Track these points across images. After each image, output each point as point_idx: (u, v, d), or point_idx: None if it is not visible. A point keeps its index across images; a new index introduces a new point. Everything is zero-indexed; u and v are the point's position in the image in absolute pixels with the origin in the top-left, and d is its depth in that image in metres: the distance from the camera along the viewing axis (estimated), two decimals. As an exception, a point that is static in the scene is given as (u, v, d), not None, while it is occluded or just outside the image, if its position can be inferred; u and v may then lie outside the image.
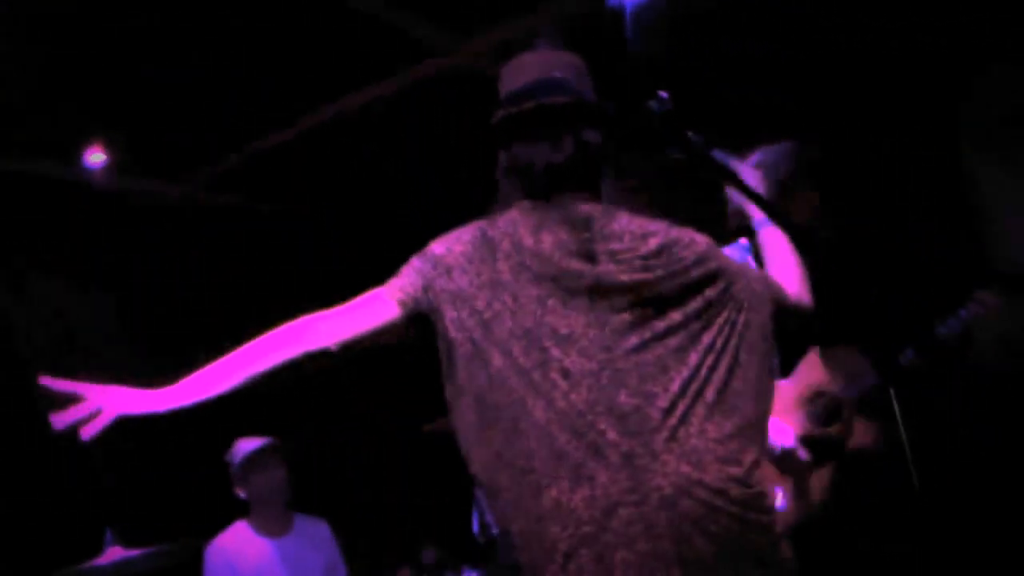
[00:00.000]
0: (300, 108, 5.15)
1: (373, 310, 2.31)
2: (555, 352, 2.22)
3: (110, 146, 4.90)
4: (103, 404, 2.25)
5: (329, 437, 5.17)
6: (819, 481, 3.59)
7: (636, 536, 2.11)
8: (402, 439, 5.00)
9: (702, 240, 2.43)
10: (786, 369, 3.75)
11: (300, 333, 2.28)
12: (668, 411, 2.20)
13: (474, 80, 4.86)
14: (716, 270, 2.39)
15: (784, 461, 3.52)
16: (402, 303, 2.31)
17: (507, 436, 2.21)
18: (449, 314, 2.30)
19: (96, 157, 4.95)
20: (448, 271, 2.32)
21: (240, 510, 4.62)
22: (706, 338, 2.31)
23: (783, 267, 2.62)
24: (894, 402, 2.55)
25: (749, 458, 2.23)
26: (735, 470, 2.19)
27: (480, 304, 2.28)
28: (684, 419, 2.21)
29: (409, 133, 5.34)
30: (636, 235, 2.36)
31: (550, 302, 2.27)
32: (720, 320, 2.34)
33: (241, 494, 4.61)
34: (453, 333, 2.29)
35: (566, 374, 2.21)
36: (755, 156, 3.65)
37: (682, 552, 2.10)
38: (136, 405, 2.28)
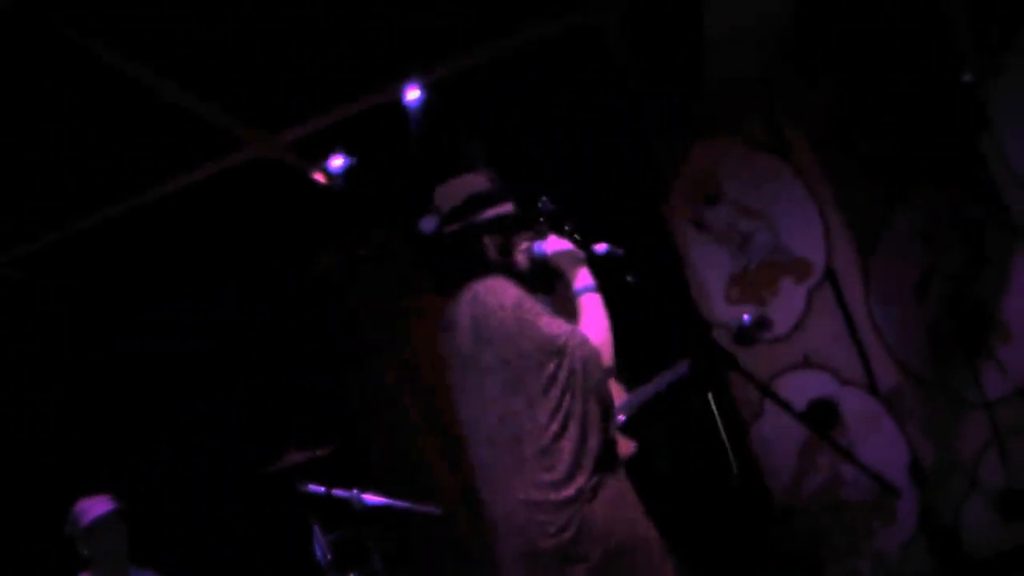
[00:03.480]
0: (104, 196, 5.49)
1: None
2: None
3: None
4: None
5: (164, 486, 5.65)
6: None
7: None
8: (239, 484, 5.59)
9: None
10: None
11: None
12: None
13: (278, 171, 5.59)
14: None
15: None
16: None
17: None
18: None
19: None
20: None
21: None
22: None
23: (595, 330, 3.30)
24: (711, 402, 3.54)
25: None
26: None
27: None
28: None
29: (215, 221, 5.90)
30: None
31: None
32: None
33: (84, 551, 4.89)
34: None
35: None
36: None
37: None
38: None
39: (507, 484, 3.20)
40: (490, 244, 3.36)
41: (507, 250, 3.37)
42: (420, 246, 3.50)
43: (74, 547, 4.93)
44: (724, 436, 3.74)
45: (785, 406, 3.56)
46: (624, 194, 6.14)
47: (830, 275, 6.12)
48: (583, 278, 3.36)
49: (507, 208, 3.39)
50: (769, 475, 6.13)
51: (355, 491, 4.80)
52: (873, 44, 5.98)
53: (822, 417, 6.00)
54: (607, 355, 3.24)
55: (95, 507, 4.94)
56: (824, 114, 6.13)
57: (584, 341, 3.20)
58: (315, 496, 4.79)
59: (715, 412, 3.65)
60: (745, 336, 4.03)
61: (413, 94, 5.28)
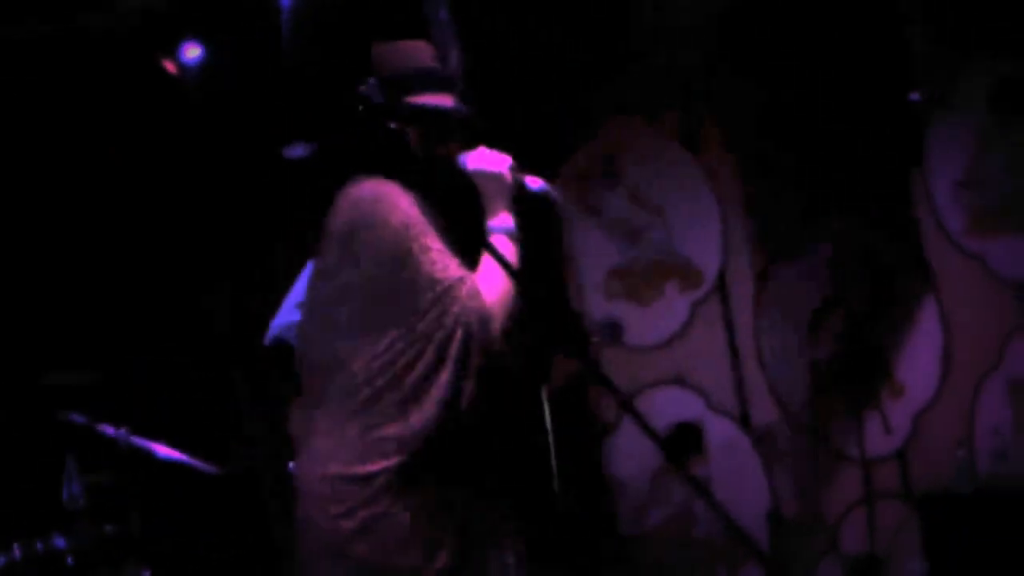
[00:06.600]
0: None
1: None
2: None
3: None
4: None
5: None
6: None
7: None
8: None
9: None
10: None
11: None
12: None
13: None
14: None
15: None
16: None
17: None
18: None
19: None
20: None
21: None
22: None
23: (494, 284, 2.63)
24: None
25: None
26: None
27: None
28: None
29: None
30: None
31: None
32: None
33: None
34: None
35: None
36: None
37: None
38: None
39: (316, 446, 2.60)
40: (413, 134, 2.68)
41: (430, 147, 2.69)
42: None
43: None
44: (552, 448, 3.08)
45: (644, 425, 2.87)
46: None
47: (721, 288, 5.57)
48: (500, 215, 2.65)
49: (446, 100, 2.71)
50: (616, 497, 5.58)
51: (124, 430, 4.08)
52: (818, 53, 5.43)
53: (683, 443, 5.47)
54: (499, 319, 2.53)
55: None
56: (749, 116, 5.57)
57: (475, 295, 2.50)
58: (75, 428, 4.06)
59: (546, 415, 2.98)
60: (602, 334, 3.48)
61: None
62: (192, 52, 4.99)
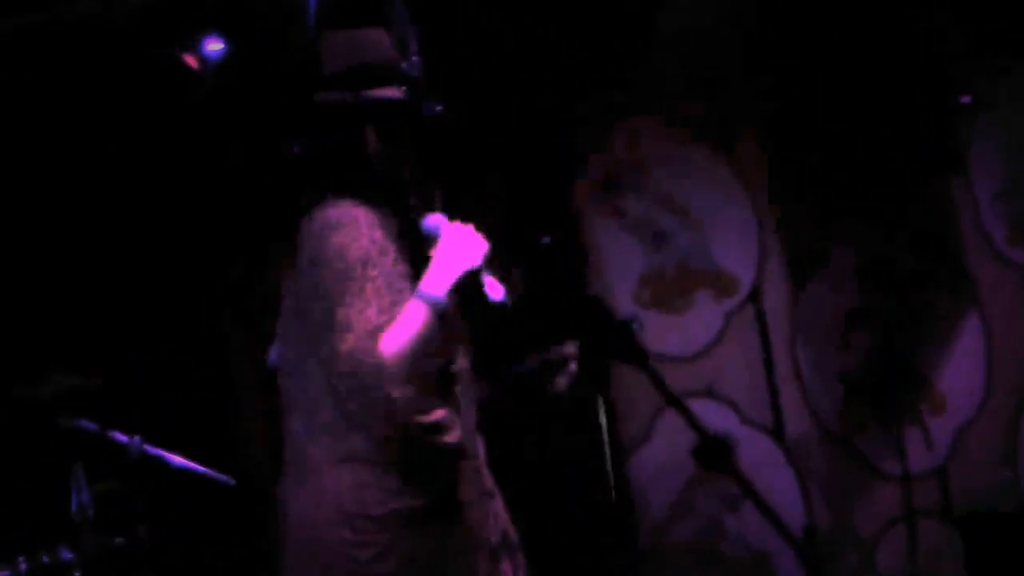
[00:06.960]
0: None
1: None
2: None
3: None
4: None
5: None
6: None
7: None
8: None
9: None
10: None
11: None
12: None
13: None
14: None
15: None
16: None
17: None
18: None
19: None
20: None
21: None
22: None
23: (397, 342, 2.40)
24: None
25: None
26: None
27: None
28: None
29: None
30: None
31: None
32: None
33: None
34: None
35: None
36: None
37: None
38: None
39: (323, 483, 2.45)
40: (372, 138, 2.49)
41: (389, 154, 2.51)
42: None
43: None
44: (608, 455, 2.99)
45: (693, 421, 2.78)
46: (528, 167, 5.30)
47: (755, 297, 5.37)
48: (437, 283, 2.41)
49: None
50: (640, 511, 5.37)
51: (137, 438, 3.91)
52: (851, 51, 5.29)
53: (714, 456, 5.29)
54: (394, 379, 2.31)
55: None
56: (780, 115, 5.39)
57: (368, 352, 2.30)
58: (83, 435, 3.89)
59: (602, 423, 2.86)
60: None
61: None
62: (214, 46, 4.84)
